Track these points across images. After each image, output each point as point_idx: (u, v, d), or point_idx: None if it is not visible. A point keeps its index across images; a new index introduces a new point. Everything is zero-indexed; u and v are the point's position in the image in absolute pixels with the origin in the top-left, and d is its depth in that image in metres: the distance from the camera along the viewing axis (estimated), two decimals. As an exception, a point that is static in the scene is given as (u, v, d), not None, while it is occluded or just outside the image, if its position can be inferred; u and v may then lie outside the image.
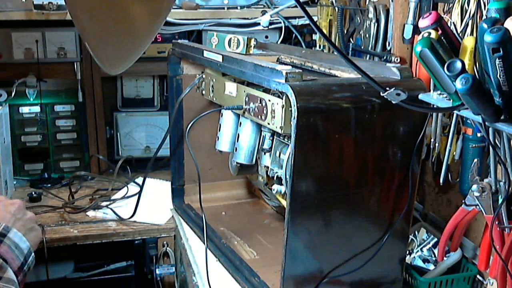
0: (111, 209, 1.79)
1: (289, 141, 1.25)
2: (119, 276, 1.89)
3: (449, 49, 0.92)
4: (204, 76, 1.51)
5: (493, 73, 0.78)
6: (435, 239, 1.37)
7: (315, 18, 1.90)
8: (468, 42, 0.95)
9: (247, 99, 1.29)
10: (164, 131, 1.61)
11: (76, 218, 1.77)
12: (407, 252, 1.33)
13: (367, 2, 1.62)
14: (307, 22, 1.99)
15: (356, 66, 0.84)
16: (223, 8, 2.08)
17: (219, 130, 1.48)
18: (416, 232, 1.43)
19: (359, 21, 1.66)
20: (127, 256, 1.87)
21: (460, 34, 1.17)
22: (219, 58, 1.30)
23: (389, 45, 1.52)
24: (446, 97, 0.94)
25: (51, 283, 1.69)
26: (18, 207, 1.13)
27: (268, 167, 1.38)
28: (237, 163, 1.44)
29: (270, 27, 2.05)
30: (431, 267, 1.33)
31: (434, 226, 1.44)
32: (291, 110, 1.01)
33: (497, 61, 0.76)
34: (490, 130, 1.01)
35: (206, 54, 1.36)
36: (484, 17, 1.12)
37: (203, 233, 1.40)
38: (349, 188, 1.12)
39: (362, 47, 1.63)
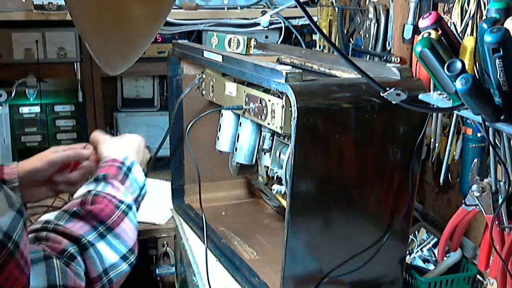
0: (111, 209, 1.78)
1: (289, 141, 1.25)
2: (119, 276, 1.89)
3: (449, 49, 0.92)
4: (204, 76, 1.51)
5: (493, 73, 0.78)
6: (435, 239, 1.37)
7: (315, 18, 1.90)
8: (468, 42, 0.95)
9: (247, 99, 1.29)
10: (164, 131, 1.60)
11: (76, 218, 1.77)
12: (407, 252, 1.33)
13: (367, 2, 1.62)
14: (307, 22, 1.98)
15: (356, 66, 0.84)
16: (223, 8, 2.08)
17: (219, 130, 1.48)
18: (416, 232, 1.43)
19: (359, 21, 1.66)
20: (127, 256, 1.87)
21: (460, 34, 1.17)
22: (219, 58, 1.30)
23: (389, 45, 1.52)
24: (446, 97, 0.94)
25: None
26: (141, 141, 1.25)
27: (268, 167, 1.38)
28: (237, 163, 1.44)
29: (270, 27, 2.05)
30: (431, 267, 1.33)
31: (434, 226, 1.44)
32: (291, 110, 1.01)
33: (497, 61, 0.76)
34: (490, 130, 1.01)
35: (206, 54, 1.36)
36: (484, 17, 1.12)
37: (203, 233, 1.40)
38: (349, 188, 1.12)
39: (362, 47, 1.63)
